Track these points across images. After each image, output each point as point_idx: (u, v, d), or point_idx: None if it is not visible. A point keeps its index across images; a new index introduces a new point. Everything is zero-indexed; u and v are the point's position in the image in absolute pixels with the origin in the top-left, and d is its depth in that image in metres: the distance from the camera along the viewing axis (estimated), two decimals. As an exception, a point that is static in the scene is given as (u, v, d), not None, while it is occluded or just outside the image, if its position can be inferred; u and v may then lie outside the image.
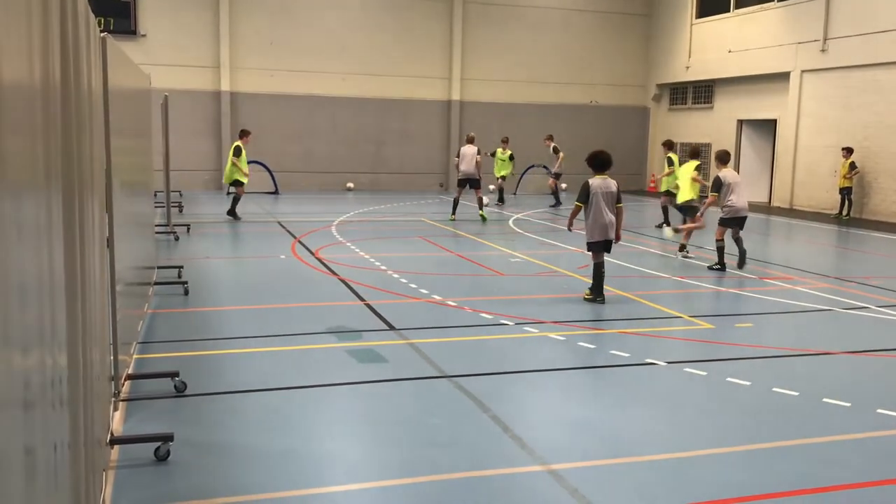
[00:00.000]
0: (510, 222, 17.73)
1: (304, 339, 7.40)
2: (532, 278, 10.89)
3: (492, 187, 22.30)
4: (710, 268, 11.56)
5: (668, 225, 16.34)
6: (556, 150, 21.91)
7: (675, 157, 16.71)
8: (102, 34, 4.57)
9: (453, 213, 17.43)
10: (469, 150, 17.18)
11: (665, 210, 16.88)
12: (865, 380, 6.66)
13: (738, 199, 11.42)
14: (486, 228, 16.34)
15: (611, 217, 9.11)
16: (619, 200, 9.26)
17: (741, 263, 11.54)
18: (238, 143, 16.59)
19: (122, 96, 5.80)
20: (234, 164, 16.31)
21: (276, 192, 23.73)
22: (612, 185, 9.22)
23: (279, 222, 16.40)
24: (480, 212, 17.67)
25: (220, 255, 12.25)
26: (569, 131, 28.27)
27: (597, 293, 9.18)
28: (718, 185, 11.44)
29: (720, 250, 11.46)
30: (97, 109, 4.11)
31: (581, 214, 9.45)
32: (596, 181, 9.20)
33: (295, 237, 14.03)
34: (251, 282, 10.50)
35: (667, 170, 16.75)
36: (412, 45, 26.50)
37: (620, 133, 29.01)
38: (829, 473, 4.68)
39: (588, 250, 9.46)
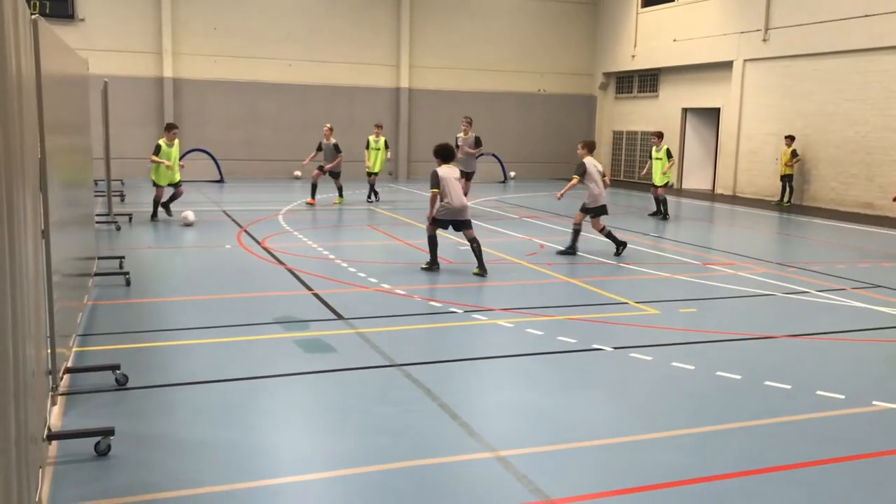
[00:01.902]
0: (459, 210, 17.71)
1: (249, 330, 7.29)
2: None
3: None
4: (559, 253, 11.82)
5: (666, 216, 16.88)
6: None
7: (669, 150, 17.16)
8: (33, 16, 4.40)
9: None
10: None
11: (664, 202, 17.12)
12: (805, 362, 6.82)
13: (598, 188, 11.74)
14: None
15: (463, 201, 10.45)
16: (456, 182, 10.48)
17: (619, 251, 11.70)
18: (160, 140, 14.56)
19: (57, 82, 5.61)
20: (153, 163, 14.29)
21: (220, 181, 23.34)
22: (457, 172, 10.61)
23: (224, 211, 16.13)
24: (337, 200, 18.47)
25: (163, 245, 12.00)
26: (518, 119, 28.41)
27: (432, 263, 10.31)
28: (583, 170, 11.78)
29: (576, 233, 11.82)
30: (28, 96, 3.95)
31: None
32: (445, 169, 10.30)
33: (241, 226, 13.81)
34: (195, 272, 10.31)
35: (668, 162, 16.88)
36: (359, 31, 26.26)
37: (568, 121, 29.23)
38: (771, 454, 4.78)
39: (432, 224, 10.47)
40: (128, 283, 8.93)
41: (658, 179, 16.95)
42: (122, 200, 17.30)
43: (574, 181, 11.67)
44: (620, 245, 11.72)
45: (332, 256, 11.15)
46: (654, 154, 17.18)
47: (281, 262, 10.53)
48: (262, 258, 10.93)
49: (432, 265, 10.32)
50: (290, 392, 5.78)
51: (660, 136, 17.39)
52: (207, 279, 9.74)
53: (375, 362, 6.36)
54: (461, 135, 17.32)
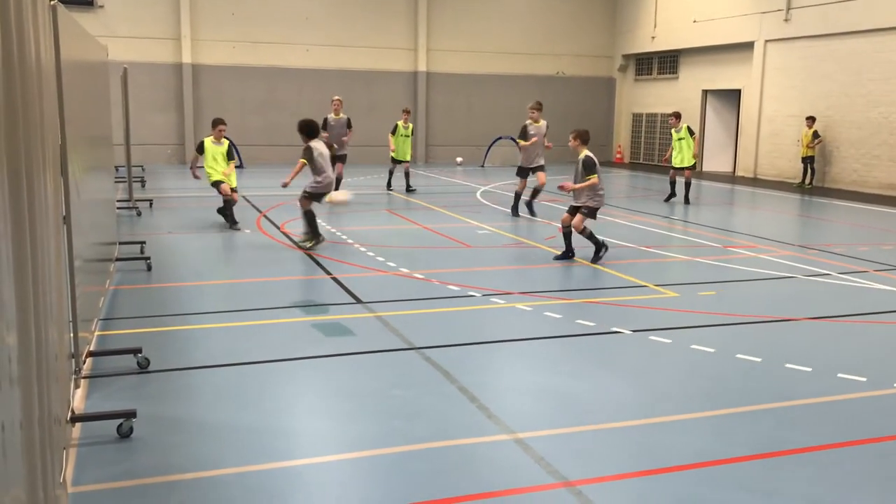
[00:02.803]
0: (477, 194, 17.70)
1: (269, 314, 7.34)
2: (499, 250, 10.90)
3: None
4: (556, 258, 10.02)
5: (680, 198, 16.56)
6: None
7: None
8: (52, 2, 4.43)
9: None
10: None
11: (688, 185, 16.77)
12: (826, 345, 6.77)
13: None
14: (453, 201, 16.31)
15: (331, 176, 10.84)
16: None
17: (598, 257, 9.90)
18: (205, 139, 12.38)
19: (77, 69, 5.65)
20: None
21: (239, 166, 23.34)
22: (326, 147, 10.90)
23: (244, 196, 16.18)
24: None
25: (183, 230, 12.08)
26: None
27: (313, 235, 10.49)
28: (594, 165, 9.80)
29: (592, 237, 9.92)
30: (48, 83, 3.99)
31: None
32: (315, 143, 10.67)
33: (260, 211, 13.88)
34: (215, 257, 10.38)
35: (693, 143, 16.52)
36: (377, 15, 26.19)
37: (587, 104, 29.04)
38: (791, 437, 4.76)
39: (307, 199, 10.65)
40: (149, 268, 9.01)
41: (688, 160, 16.47)
42: (143, 186, 17.43)
43: (593, 180, 9.74)
44: (601, 248, 9.95)
45: (350, 241, 11.18)
46: (675, 135, 16.73)
47: (300, 247, 10.57)
48: (281, 242, 10.98)
49: (315, 238, 10.46)
50: (308, 375, 5.82)
51: (678, 116, 16.99)
52: (227, 264, 9.81)
53: (394, 345, 6.39)
54: (531, 123, 14.25)
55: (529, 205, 14.01)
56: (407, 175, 17.83)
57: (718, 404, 5.28)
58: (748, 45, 23.09)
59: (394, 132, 17.55)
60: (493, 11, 27.42)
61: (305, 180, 10.89)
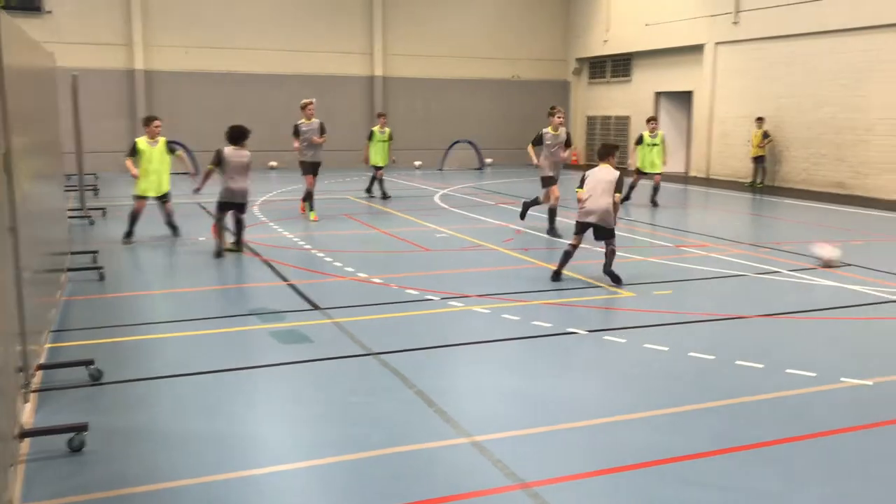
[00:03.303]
0: (436, 198, 17.73)
1: (225, 322, 7.27)
2: (458, 253, 10.93)
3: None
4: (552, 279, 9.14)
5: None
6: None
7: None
8: (-6, 10, 4.34)
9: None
10: None
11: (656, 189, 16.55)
12: (777, 341, 6.92)
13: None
14: (411, 205, 16.31)
15: (242, 185, 10.55)
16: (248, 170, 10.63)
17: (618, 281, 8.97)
18: (138, 139, 11.48)
19: (21, 76, 5.54)
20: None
21: (196, 174, 23.12)
22: (246, 155, 10.64)
23: (199, 203, 16.01)
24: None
25: (137, 238, 11.89)
26: (493, 106, 28.40)
27: (235, 244, 10.50)
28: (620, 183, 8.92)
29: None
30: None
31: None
32: (229, 150, 10.53)
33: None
34: (170, 265, 10.26)
35: (664, 149, 16.54)
36: (333, 20, 26.11)
37: (543, 107, 29.03)
38: (744, 433, 4.85)
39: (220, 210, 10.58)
40: (101, 278, 8.86)
41: (659, 166, 16.41)
42: (96, 194, 17.13)
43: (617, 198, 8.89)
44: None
45: (308, 246, 11.12)
46: (649, 140, 16.44)
47: (256, 254, 10.49)
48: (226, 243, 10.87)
49: (229, 246, 10.41)
50: (266, 383, 5.78)
51: (656, 120, 16.83)
52: (182, 272, 9.69)
53: (352, 351, 6.37)
54: (549, 131, 12.14)
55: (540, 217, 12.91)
56: (381, 182, 17.48)
57: (672, 402, 5.36)
58: (699, 48, 23.49)
59: (370, 138, 17.21)
60: (450, 16, 27.52)
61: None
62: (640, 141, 16.69)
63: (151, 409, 5.23)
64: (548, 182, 12.19)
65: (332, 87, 26.34)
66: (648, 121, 17.00)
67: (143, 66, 23.94)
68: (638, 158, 16.63)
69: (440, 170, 26.00)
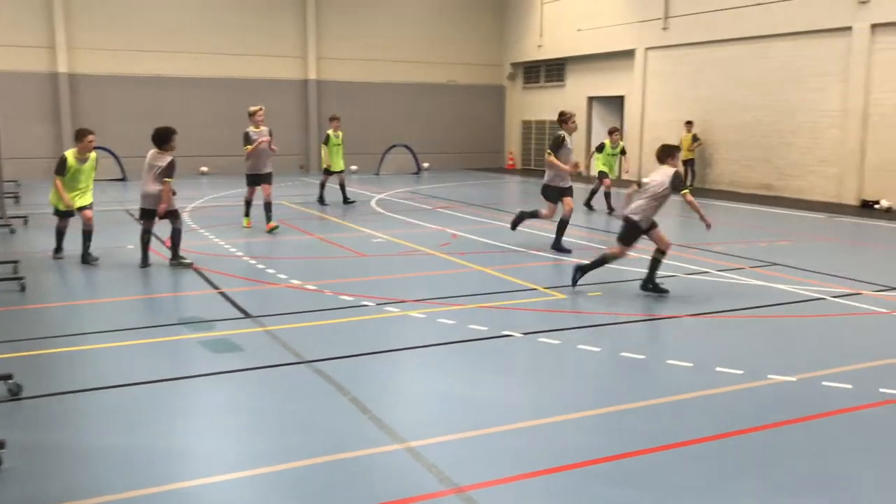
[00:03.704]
0: (372, 203, 17.64)
1: (153, 332, 7.07)
2: (394, 258, 10.88)
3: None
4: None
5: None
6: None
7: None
8: None
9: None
10: None
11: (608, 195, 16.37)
12: (705, 340, 7.06)
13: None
14: (348, 210, 16.19)
15: (149, 189, 9.98)
16: (168, 175, 9.94)
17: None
18: (67, 153, 10.26)
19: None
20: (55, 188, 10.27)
21: (123, 179, 22.58)
22: (160, 160, 10.00)
23: (127, 210, 15.61)
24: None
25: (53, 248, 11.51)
26: (429, 110, 28.45)
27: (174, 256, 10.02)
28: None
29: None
30: None
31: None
32: (151, 153, 10.10)
33: (145, 225, 13.37)
34: (96, 275, 9.93)
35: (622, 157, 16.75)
36: (265, 23, 25.80)
37: (478, 112, 29.44)
38: (675, 431, 4.92)
39: (141, 217, 10.27)
40: (23, 289, 8.54)
41: (613, 173, 16.65)
42: (17, 202, 16.54)
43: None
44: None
45: (240, 254, 10.93)
46: (610, 150, 16.58)
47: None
48: (166, 258, 10.61)
49: (144, 263, 9.97)
50: (195, 394, 5.64)
51: (619, 131, 16.97)
52: (109, 281, 9.40)
53: (285, 360, 6.27)
54: (566, 135, 11.37)
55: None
56: (342, 186, 17.10)
57: (604, 402, 5.42)
58: (630, 53, 23.94)
59: (326, 142, 16.82)
60: (384, 20, 27.46)
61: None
62: (601, 149, 16.72)
63: (73, 424, 5.04)
64: (564, 192, 11.22)
65: (264, 91, 25.98)
66: (611, 132, 16.90)
67: (66, 70, 23.26)
68: (597, 165, 16.68)
69: (377, 174, 25.92)
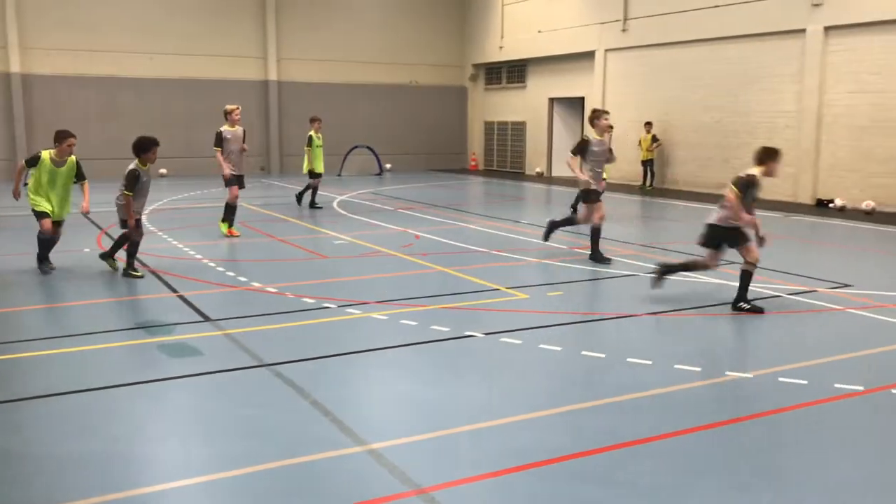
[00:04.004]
0: (334, 204, 17.55)
1: (109, 337, 6.95)
2: (356, 260, 10.83)
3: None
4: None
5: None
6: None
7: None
8: None
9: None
10: None
11: None
12: (664, 338, 7.14)
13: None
14: (310, 212, 16.09)
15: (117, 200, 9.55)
16: (126, 188, 9.42)
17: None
18: (45, 152, 9.76)
19: None
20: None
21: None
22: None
23: (84, 214, 15.32)
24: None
25: (13, 251, 11.27)
26: (391, 112, 28.39)
27: (128, 266, 9.49)
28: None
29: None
30: None
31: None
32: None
33: (101, 228, 13.18)
34: (51, 278, 9.74)
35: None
36: (224, 23, 25.54)
37: (440, 113, 29.47)
38: (634, 428, 4.97)
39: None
40: (-26, 294, 8.34)
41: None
42: (-31, 206, 16.16)
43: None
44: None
45: (199, 256, 10.80)
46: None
47: (144, 264, 10.09)
48: (123, 261, 10.43)
49: (128, 269, 9.44)
50: (154, 399, 5.55)
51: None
52: (64, 285, 9.23)
53: (244, 363, 6.20)
54: (595, 137, 10.73)
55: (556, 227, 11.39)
56: (315, 190, 16.65)
57: (567, 400, 5.45)
58: (590, 55, 24.14)
59: (309, 144, 16.37)
60: (345, 21, 27.35)
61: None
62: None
63: (27, 431, 4.93)
64: (593, 197, 10.52)
65: (224, 92, 25.70)
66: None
67: (19, 70, 22.79)
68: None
69: (339, 175, 25.80)
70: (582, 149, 10.54)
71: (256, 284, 8.98)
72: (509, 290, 8.81)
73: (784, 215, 16.16)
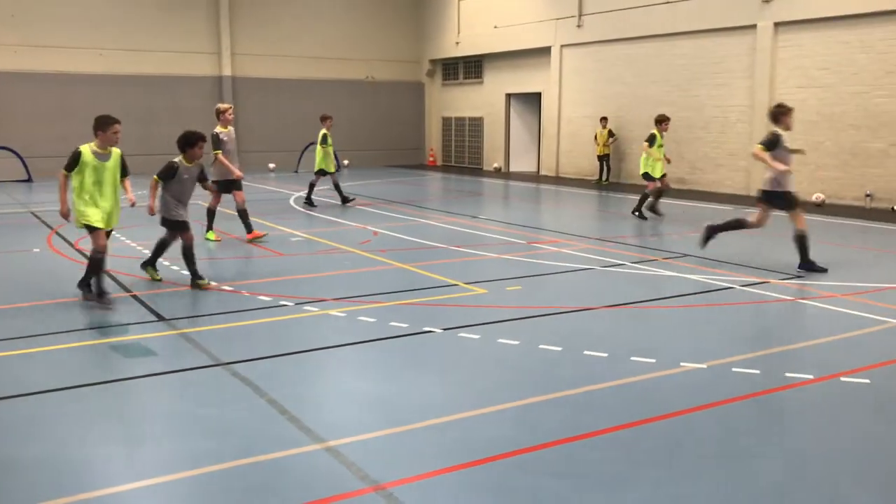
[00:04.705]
0: (291, 200, 17.41)
1: (61, 339, 6.80)
2: (314, 257, 10.76)
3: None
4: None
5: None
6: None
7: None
8: None
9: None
10: None
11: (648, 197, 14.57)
12: (620, 331, 7.22)
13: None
14: (265, 208, 15.94)
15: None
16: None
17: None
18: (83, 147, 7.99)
19: None
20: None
21: (28, 180, 21.69)
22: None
23: (32, 213, 15.00)
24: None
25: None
26: (348, 107, 28.24)
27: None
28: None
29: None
30: None
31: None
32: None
33: (51, 228, 12.90)
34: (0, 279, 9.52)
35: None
36: (177, 18, 25.18)
37: (398, 108, 29.41)
38: (590, 420, 5.01)
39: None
40: (-82, 297, 8.10)
41: (658, 170, 14.21)
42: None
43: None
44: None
45: (153, 255, 10.61)
46: (661, 141, 14.29)
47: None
48: (75, 261, 10.24)
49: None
50: (106, 401, 5.45)
51: (668, 120, 14.49)
52: (13, 286, 9.01)
53: (200, 363, 6.12)
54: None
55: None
56: (312, 187, 16.47)
57: (524, 394, 5.48)
58: (546, 50, 24.29)
59: (324, 142, 16.00)
60: (300, 16, 27.13)
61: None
62: (652, 142, 14.24)
63: (-26, 436, 4.81)
64: (788, 200, 9.68)
65: (177, 88, 25.40)
66: (661, 121, 14.34)
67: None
68: (645, 163, 14.34)
69: (296, 172, 25.60)
70: (774, 143, 9.38)
71: (212, 283, 8.87)
72: (468, 286, 8.82)
73: (736, 208, 16.44)
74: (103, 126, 7.92)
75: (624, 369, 5.98)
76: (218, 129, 11.96)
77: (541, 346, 6.50)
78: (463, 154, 28.85)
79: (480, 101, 27.72)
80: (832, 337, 6.73)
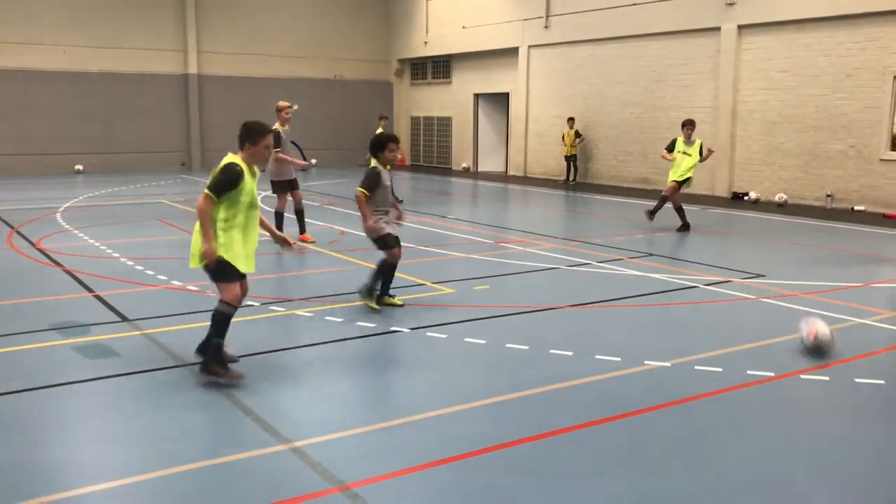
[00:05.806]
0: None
1: (21, 339, 6.69)
2: (280, 256, 10.69)
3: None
4: None
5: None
6: None
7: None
8: None
9: None
10: None
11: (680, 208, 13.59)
12: (585, 329, 7.28)
13: None
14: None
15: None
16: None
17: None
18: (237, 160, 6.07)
19: None
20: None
21: (-10, 179, 21.28)
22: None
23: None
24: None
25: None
26: (316, 106, 28.08)
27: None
28: None
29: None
30: None
31: None
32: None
33: (11, 227, 12.67)
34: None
35: (698, 159, 13.31)
36: (142, 15, 24.85)
37: (366, 108, 29.29)
38: (556, 418, 5.05)
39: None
40: None
41: (680, 174, 13.23)
42: None
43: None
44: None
45: (116, 255, 10.49)
46: (683, 147, 13.23)
47: (58, 264, 9.76)
48: (36, 260, 10.08)
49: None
50: (67, 403, 5.37)
51: (693, 124, 13.42)
52: (-28, 287, 8.84)
53: (164, 363, 6.06)
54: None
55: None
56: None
57: (490, 393, 5.50)
58: (514, 51, 24.38)
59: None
60: (268, 13, 26.94)
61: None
62: (671, 148, 13.52)
63: (-69, 439, 4.71)
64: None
65: (143, 86, 25.08)
66: (684, 125, 13.37)
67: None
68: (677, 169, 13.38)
69: (262, 170, 25.40)
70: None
71: (176, 283, 8.78)
72: (435, 285, 8.83)
73: (702, 208, 16.65)
74: (255, 138, 5.80)
75: (589, 367, 6.03)
76: (277, 126, 11.53)
77: (507, 345, 6.53)
78: (431, 154, 28.85)
79: (449, 100, 27.74)
80: (792, 336, 6.84)
